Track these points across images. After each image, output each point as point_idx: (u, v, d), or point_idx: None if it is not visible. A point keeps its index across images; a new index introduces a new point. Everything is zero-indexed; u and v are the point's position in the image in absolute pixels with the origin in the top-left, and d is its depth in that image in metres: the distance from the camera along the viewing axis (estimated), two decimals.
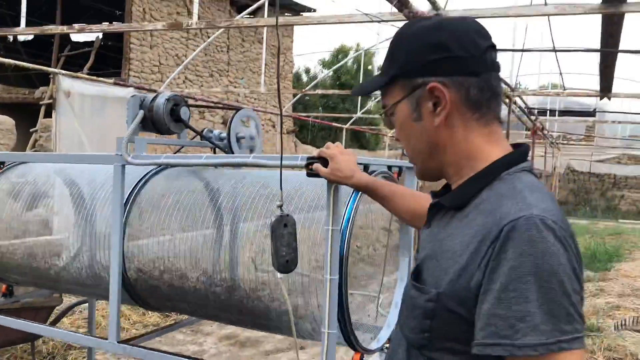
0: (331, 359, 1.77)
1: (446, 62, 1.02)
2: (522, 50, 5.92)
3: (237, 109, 2.65)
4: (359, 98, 16.84)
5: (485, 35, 1.06)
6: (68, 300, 4.22)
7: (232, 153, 2.56)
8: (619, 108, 14.23)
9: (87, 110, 6.98)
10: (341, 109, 22.00)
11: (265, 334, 5.32)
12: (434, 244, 1.06)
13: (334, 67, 20.34)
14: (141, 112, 2.27)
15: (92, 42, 11.63)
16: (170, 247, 2.37)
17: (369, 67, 20.86)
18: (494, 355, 0.89)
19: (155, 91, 9.21)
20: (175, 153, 2.67)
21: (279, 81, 1.33)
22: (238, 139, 2.61)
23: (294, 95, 15.23)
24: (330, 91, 15.73)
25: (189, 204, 2.34)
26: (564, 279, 0.86)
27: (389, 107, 1.11)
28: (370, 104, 18.48)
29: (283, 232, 1.37)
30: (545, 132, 13.78)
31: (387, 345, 2.19)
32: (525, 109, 8.67)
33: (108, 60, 12.06)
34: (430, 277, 1.02)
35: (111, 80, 7.30)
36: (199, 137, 2.61)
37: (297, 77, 22.91)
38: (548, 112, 18.18)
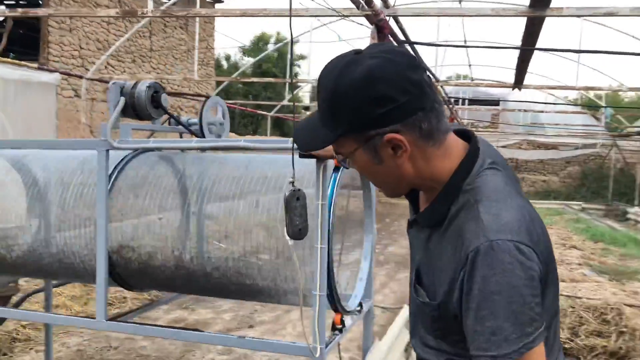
0: (322, 318, 2.01)
1: (394, 111, 1.03)
2: (458, 46, 6.39)
3: (207, 98, 2.79)
4: (286, 85, 16.91)
5: (416, 66, 1.06)
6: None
7: (204, 138, 2.71)
8: (522, 98, 15.44)
9: (10, 95, 6.67)
10: (263, 96, 22.06)
11: (213, 315, 5.45)
12: (425, 252, 1.18)
13: (260, 56, 20.28)
14: (123, 99, 2.36)
15: (2, 22, 10.91)
16: (151, 229, 2.49)
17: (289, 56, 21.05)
18: None
19: (81, 77, 8.89)
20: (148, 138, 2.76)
21: (292, 70, 1.51)
22: (208, 125, 2.75)
23: (218, 83, 15.13)
24: (266, 79, 15.73)
25: (167, 186, 2.47)
26: (523, 290, 0.98)
27: (344, 155, 1.13)
28: (296, 92, 18.69)
29: (296, 204, 1.57)
30: (459, 119, 14.73)
31: (359, 309, 2.46)
32: (445, 98, 9.27)
33: (23, 43, 11.37)
34: (429, 284, 1.15)
35: (35, 65, 7.00)
36: (171, 122, 2.72)
37: (217, 64, 22.60)
38: (460, 100, 19.34)
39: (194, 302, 5.79)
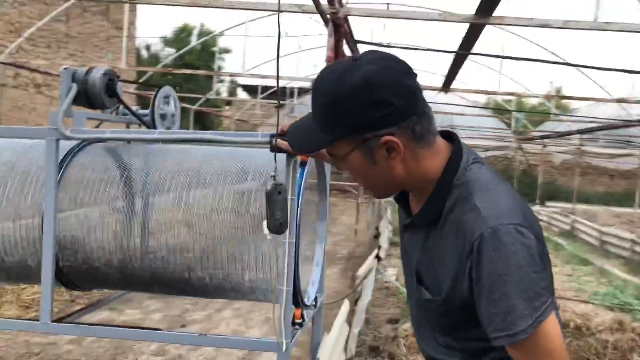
0: (288, 314, 2.00)
1: (391, 115, 1.08)
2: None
3: (159, 87, 2.70)
4: (212, 78, 16.53)
5: (410, 72, 1.12)
6: None
7: (156, 129, 2.61)
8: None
9: None
10: (185, 89, 21.44)
11: (142, 315, 5.25)
12: (424, 252, 1.21)
13: (186, 49, 19.72)
14: (75, 86, 2.23)
15: None
16: (93, 224, 2.36)
17: (214, 49, 20.56)
18: None
19: None
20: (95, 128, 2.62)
21: (279, 64, 1.50)
22: (161, 116, 2.66)
23: (139, 74, 14.51)
24: (197, 71, 15.29)
25: (113, 180, 2.37)
26: (528, 268, 1.05)
27: (339, 157, 1.17)
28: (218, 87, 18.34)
29: (278, 198, 1.56)
30: None
31: (315, 303, 2.47)
32: None
33: None
34: (431, 283, 1.19)
35: None
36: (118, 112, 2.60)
37: (136, 54, 21.69)
38: None
39: (121, 302, 5.55)
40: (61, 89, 2.22)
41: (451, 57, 5.25)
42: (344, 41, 3.27)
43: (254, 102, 22.98)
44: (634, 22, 4.01)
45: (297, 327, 2.20)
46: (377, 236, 9.04)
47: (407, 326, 4.45)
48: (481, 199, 1.11)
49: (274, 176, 1.58)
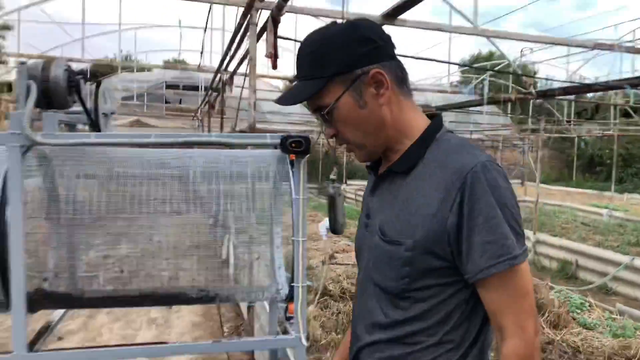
0: (304, 309, 2.09)
1: (375, 51, 1.18)
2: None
3: (98, 82, 2.47)
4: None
5: (382, 28, 1.27)
6: None
7: (100, 131, 2.40)
8: None
9: None
10: None
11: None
12: (394, 206, 1.24)
13: None
14: (34, 85, 1.95)
15: None
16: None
17: None
18: (471, 283, 1.15)
19: None
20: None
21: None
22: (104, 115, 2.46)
23: None
24: None
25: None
26: (515, 207, 1.13)
27: (330, 105, 1.19)
28: None
29: (339, 201, 1.65)
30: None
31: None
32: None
33: None
34: (399, 233, 1.20)
35: None
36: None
37: None
38: None
39: None
40: (19, 88, 1.93)
41: None
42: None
43: None
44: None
45: (291, 321, 2.29)
46: None
47: None
48: (464, 147, 1.20)
49: (334, 180, 1.66)
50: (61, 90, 2.00)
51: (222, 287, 2.29)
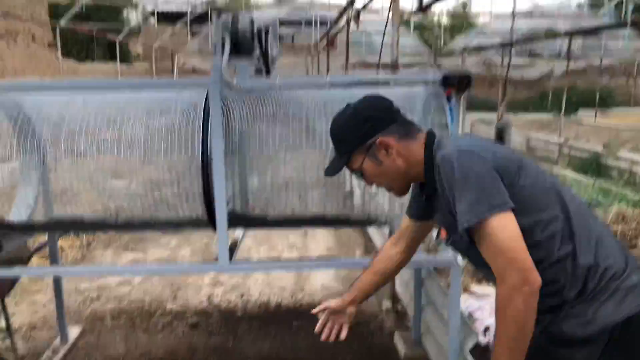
0: None
1: (375, 125, 1.56)
2: None
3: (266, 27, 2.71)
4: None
5: (385, 98, 1.63)
6: None
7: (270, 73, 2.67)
8: None
9: None
10: (96, 18, 19.83)
11: (169, 252, 5.30)
12: (440, 211, 1.59)
13: None
14: (228, 37, 2.25)
15: None
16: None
17: None
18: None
19: None
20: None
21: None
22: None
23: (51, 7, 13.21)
24: None
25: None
26: (481, 173, 1.38)
27: (358, 168, 1.62)
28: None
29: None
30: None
31: None
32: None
33: None
34: (451, 230, 1.52)
35: None
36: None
37: None
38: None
39: (137, 242, 5.59)
40: (216, 39, 2.24)
41: None
42: None
43: (170, 30, 21.83)
44: None
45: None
46: None
47: None
48: (446, 145, 1.50)
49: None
50: (247, 40, 2.28)
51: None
